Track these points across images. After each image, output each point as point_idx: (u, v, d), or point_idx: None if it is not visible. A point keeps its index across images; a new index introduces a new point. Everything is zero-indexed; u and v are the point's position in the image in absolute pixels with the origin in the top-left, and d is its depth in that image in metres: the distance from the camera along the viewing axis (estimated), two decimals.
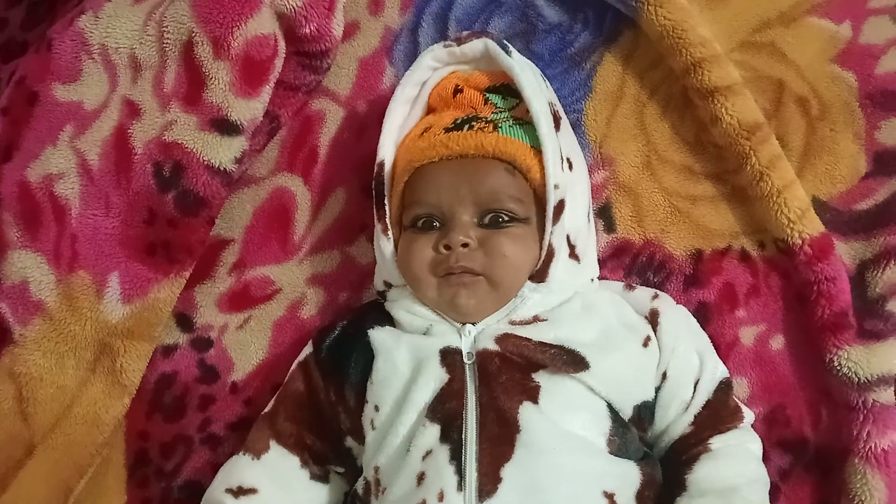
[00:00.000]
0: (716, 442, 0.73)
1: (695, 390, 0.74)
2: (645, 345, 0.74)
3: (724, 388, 0.75)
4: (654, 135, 0.86)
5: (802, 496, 0.79)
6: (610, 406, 0.70)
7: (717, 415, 0.74)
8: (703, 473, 0.71)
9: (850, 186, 0.82)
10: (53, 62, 0.83)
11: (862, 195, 0.81)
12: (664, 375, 0.74)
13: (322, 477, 0.78)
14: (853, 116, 0.83)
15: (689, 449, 0.73)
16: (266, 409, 0.79)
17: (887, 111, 0.82)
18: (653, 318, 0.75)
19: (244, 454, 0.77)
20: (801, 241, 0.78)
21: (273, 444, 0.76)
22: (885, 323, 0.77)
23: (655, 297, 0.78)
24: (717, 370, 0.76)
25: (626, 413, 0.72)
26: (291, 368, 0.80)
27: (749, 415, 0.76)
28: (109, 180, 0.82)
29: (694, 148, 0.85)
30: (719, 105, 0.80)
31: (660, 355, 0.74)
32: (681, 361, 0.74)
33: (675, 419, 0.74)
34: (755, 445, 0.75)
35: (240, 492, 0.74)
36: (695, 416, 0.74)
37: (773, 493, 0.77)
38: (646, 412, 0.73)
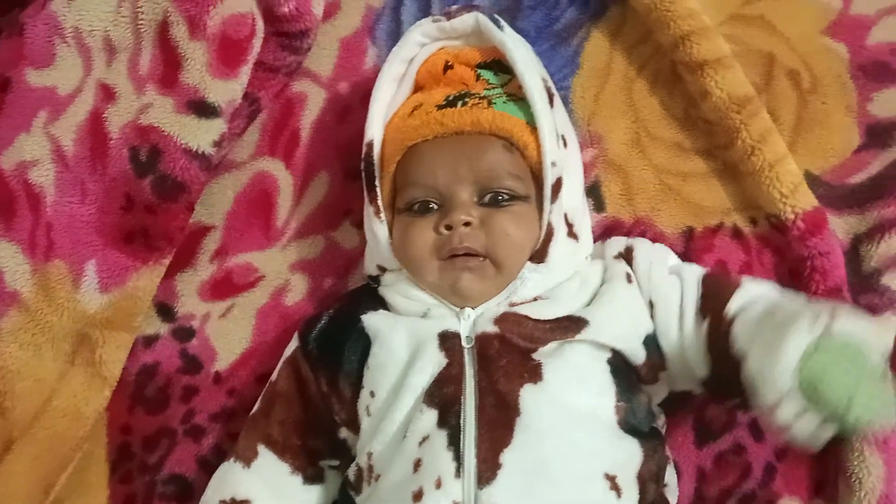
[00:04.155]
0: (732, 305, 0.67)
1: (682, 299, 0.71)
2: (629, 280, 0.72)
3: (710, 277, 0.72)
4: (644, 111, 0.85)
5: (800, 475, 0.77)
6: (616, 367, 0.68)
7: (715, 295, 0.70)
8: (737, 303, 0.67)
9: (843, 160, 0.81)
10: (26, 47, 0.81)
11: (855, 168, 0.80)
12: (651, 303, 0.72)
13: (316, 478, 0.76)
14: (845, 89, 0.81)
15: (713, 331, 0.68)
16: (254, 410, 0.77)
17: (879, 83, 0.80)
18: (627, 254, 0.74)
19: (235, 461, 0.74)
20: (793, 216, 0.77)
21: (262, 448, 0.74)
22: (881, 297, 0.76)
23: (630, 239, 0.77)
24: (693, 272, 0.73)
25: (639, 356, 0.69)
26: (279, 365, 0.77)
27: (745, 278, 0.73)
28: (85, 166, 0.81)
29: (684, 124, 0.84)
30: (709, 79, 0.79)
31: (639, 285, 0.72)
32: (659, 283, 0.72)
33: (678, 332, 0.70)
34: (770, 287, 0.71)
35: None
36: (696, 310, 0.70)
37: (770, 472, 0.76)
38: (653, 345, 0.70)
